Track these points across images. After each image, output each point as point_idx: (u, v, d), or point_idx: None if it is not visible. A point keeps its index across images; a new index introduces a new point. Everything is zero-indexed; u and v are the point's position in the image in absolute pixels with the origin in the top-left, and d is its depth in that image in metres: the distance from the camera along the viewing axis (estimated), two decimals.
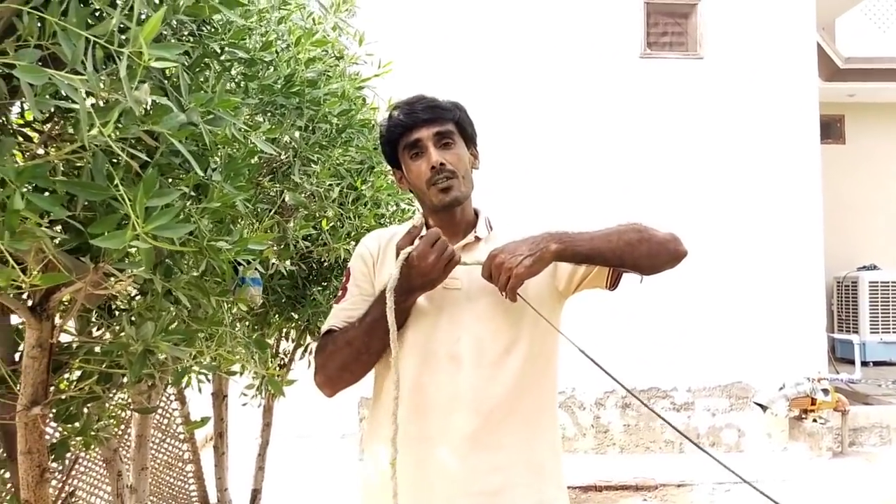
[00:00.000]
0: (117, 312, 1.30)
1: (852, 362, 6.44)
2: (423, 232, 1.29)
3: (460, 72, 5.36)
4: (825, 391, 5.27)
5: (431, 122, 1.38)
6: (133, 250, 1.08)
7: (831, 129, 8.69)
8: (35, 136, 1.06)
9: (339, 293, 1.45)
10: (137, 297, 1.30)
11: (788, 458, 5.40)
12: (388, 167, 1.64)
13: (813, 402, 5.23)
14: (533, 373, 1.35)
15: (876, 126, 8.80)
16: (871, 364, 7.78)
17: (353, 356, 1.33)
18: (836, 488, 4.71)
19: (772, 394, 5.35)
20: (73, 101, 0.84)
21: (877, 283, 7.83)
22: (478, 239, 1.42)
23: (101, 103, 0.93)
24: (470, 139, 1.46)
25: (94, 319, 1.26)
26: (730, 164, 5.74)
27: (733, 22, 5.77)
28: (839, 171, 8.40)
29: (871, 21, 8.61)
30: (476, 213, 1.49)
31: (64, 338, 1.21)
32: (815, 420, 5.27)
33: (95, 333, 1.28)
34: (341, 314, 1.39)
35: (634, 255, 1.31)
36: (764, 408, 5.38)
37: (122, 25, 0.91)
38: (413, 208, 2.52)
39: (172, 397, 2.65)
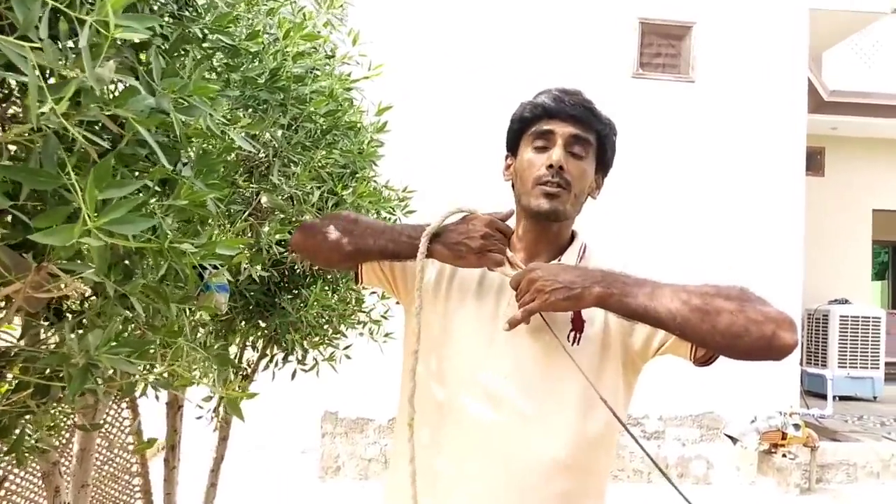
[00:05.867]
0: (69, 315, 1.17)
1: (819, 396, 6.45)
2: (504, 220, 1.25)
3: (452, 83, 5.28)
4: (796, 426, 5.25)
5: (574, 121, 1.23)
6: (85, 248, 0.96)
7: (812, 161, 8.79)
8: None
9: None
10: (92, 299, 1.17)
11: (756, 493, 5.36)
12: (505, 152, 1.45)
13: (784, 436, 5.21)
14: (583, 444, 1.14)
15: (855, 160, 8.91)
16: (837, 399, 7.82)
17: (346, 235, 1.27)
18: None
19: (743, 426, 5.32)
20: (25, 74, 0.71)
21: (847, 317, 7.88)
22: None
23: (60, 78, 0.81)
24: (603, 165, 1.30)
25: (38, 322, 1.13)
26: (715, 189, 5.73)
27: (727, 47, 5.78)
28: (816, 203, 8.47)
29: (858, 56, 8.74)
30: (572, 237, 1.31)
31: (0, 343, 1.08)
32: (784, 455, 5.24)
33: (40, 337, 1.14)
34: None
35: (703, 328, 1.02)
36: (734, 440, 5.35)
37: None
38: (394, 218, 2.41)
39: (124, 405, 2.49)
